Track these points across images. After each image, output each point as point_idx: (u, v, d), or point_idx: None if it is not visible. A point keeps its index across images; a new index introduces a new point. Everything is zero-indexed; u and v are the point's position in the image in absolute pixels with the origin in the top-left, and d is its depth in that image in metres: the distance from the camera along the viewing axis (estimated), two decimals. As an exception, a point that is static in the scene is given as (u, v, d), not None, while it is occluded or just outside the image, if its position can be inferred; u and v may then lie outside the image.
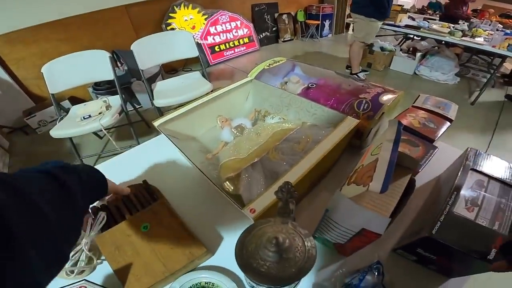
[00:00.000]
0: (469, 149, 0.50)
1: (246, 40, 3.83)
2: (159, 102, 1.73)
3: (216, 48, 3.52)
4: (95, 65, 1.71)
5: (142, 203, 0.57)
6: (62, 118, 1.72)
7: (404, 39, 3.68)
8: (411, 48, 3.38)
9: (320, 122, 0.62)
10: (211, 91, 1.76)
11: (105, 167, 0.74)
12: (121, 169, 0.73)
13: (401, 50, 3.41)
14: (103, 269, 0.50)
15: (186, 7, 3.18)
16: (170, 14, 3.11)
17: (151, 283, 0.44)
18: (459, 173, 0.43)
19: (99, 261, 0.52)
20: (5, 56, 2.36)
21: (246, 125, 0.65)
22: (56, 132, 1.56)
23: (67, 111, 1.81)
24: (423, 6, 5.18)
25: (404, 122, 0.52)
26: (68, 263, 0.49)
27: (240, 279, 0.46)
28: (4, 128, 2.42)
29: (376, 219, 0.29)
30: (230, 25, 3.60)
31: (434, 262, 0.40)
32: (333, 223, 0.36)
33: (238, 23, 3.68)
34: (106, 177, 0.46)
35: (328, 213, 0.35)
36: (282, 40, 4.38)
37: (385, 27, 3.08)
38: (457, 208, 0.38)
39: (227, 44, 3.62)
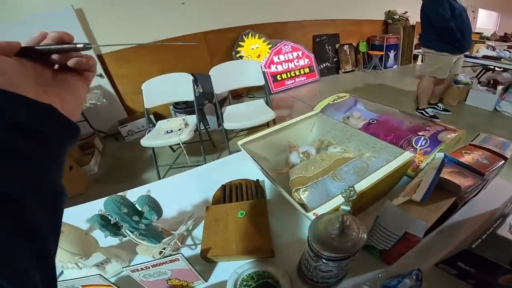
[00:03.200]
0: None
1: (306, 70, 3.98)
2: (228, 125, 1.96)
3: (278, 77, 3.75)
4: (181, 86, 2.02)
5: (248, 195, 0.72)
6: (150, 130, 2.05)
7: (484, 71, 3.35)
8: (491, 81, 3.05)
9: (378, 155, 0.70)
10: (274, 119, 1.94)
11: (181, 178, 0.93)
12: (200, 179, 0.91)
13: (479, 83, 3.10)
14: (184, 253, 0.60)
15: (253, 37, 3.54)
16: (240, 43, 3.49)
17: (219, 255, 0.56)
18: (509, 204, 0.47)
19: (183, 246, 0.65)
20: (112, 71, 2.95)
21: (311, 152, 0.77)
22: (146, 141, 1.89)
23: (153, 124, 2.17)
24: (505, 34, 4.65)
25: (458, 158, 0.57)
26: (159, 245, 0.60)
27: (290, 270, 0.54)
28: (101, 133, 2.96)
29: (417, 223, 0.38)
30: (292, 55, 3.81)
31: (474, 276, 0.44)
32: (382, 228, 0.44)
33: (300, 53, 3.87)
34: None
35: (378, 219, 0.44)
36: (342, 71, 4.41)
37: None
38: (501, 230, 0.43)
39: (288, 73, 3.82)
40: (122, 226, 0.56)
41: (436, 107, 2.82)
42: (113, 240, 0.62)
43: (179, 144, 1.87)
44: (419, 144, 0.69)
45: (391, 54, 4.56)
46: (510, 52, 2.88)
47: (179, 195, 0.84)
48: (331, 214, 0.38)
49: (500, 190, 0.62)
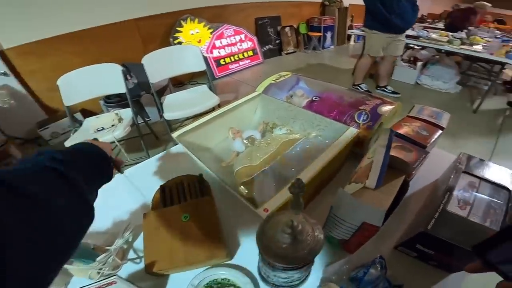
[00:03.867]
0: (461, 154, 0.55)
1: (250, 53, 3.93)
2: (168, 115, 1.80)
3: (222, 62, 3.63)
4: (108, 78, 1.78)
5: (191, 194, 0.63)
6: (76, 130, 1.78)
7: (405, 49, 3.74)
8: (412, 58, 3.43)
9: (323, 133, 0.68)
10: (218, 104, 1.84)
11: (118, 178, 0.79)
12: (135, 180, 0.79)
13: (402, 59, 3.47)
14: (128, 269, 0.55)
15: (192, 21, 3.30)
16: (177, 28, 3.23)
17: (167, 268, 0.49)
18: (452, 176, 0.48)
19: (124, 261, 0.56)
20: (19, 68, 2.43)
21: (256, 136, 0.71)
22: (71, 143, 1.62)
23: (80, 123, 1.87)
24: (422, 15, 5.29)
25: (399, 130, 0.57)
26: (94, 265, 0.51)
27: (253, 275, 0.50)
28: (17, 139, 2.45)
29: (373, 212, 0.34)
30: (234, 38, 3.71)
31: (433, 257, 0.44)
32: (338, 219, 0.40)
33: (243, 36, 3.80)
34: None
35: (333, 209, 0.40)
36: (285, 52, 4.48)
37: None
38: (450, 206, 0.43)
39: (232, 57, 3.72)
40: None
41: (385, 89, 2.96)
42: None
43: (114, 142, 1.65)
44: (361, 119, 0.68)
45: (328, 35, 4.78)
46: (427, 31, 3.24)
47: (112, 203, 0.70)
48: (278, 216, 0.32)
49: (438, 160, 0.64)
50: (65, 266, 0.49)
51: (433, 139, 0.53)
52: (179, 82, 3.45)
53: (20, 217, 0.22)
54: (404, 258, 0.49)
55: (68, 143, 1.61)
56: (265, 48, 4.25)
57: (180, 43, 3.23)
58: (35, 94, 2.60)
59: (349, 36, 5.16)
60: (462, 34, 2.98)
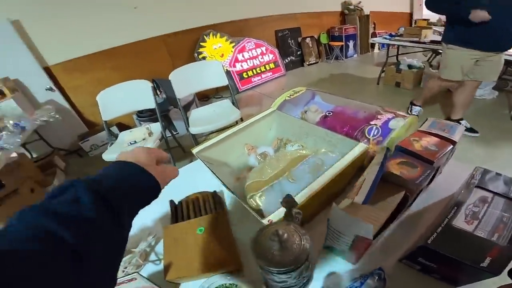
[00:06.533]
0: (476, 168, 0.54)
1: (272, 65, 3.99)
2: (194, 129, 1.90)
3: (244, 75, 3.73)
4: (140, 94, 1.93)
5: (206, 209, 0.69)
6: (112, 143, 1.95)
7: (434, 54, 3.59)
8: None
9: (334, 149, 0.70)
10: (241, 118, 1.92)
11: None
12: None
13: (431, 66, 3.33)
14: (149, 269, 0.61)
15: (214, 36, 3.48)
16: (201, 43, 3.42)
17: (184, 276, 0.54)
18: (462, 191, 0.48)
19: (145, 262, 0.63)
20: (64, 84, 2.74)
21: (269, 152, 0.76)
22: (108, 155, 1.76)
23: (116, 136, 2.05)
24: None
25: (408, 146, 0.57)
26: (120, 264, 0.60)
27: (257, 280, 0.52)
28: (61, 151, 2.77)
29: (363, 226, 0.37)
30: (256, 51, 3.81)
31: (436, 270, 0.44)
32: (334, 231, 0.43)
33: (264, 49, 3.88)
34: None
35: (330, 222, 0.43)
36: (307, 63, 4.50)
37: (410, 44, 3.06)
38: (456, 221, 0.42)
39: (254, 70, 3.81)
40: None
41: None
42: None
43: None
44: (371, 134, 0.70)
45: (351, 44, 4.74)
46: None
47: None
48: (271, 226, 0.37)
49: (457, 173, 0.61)
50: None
51: (442, 154, 0.53)
52: (205, 96, 3.61)
53: None
54: (407, 270, 0.49)
55: (105, 156, 1.75)
56: (287, 60, 4.29)
57: (204, 57, 3.40)
58: (77, 109, 2.90)
59: (373, 44, 5.06)
60: (497, 37, 2.79)
